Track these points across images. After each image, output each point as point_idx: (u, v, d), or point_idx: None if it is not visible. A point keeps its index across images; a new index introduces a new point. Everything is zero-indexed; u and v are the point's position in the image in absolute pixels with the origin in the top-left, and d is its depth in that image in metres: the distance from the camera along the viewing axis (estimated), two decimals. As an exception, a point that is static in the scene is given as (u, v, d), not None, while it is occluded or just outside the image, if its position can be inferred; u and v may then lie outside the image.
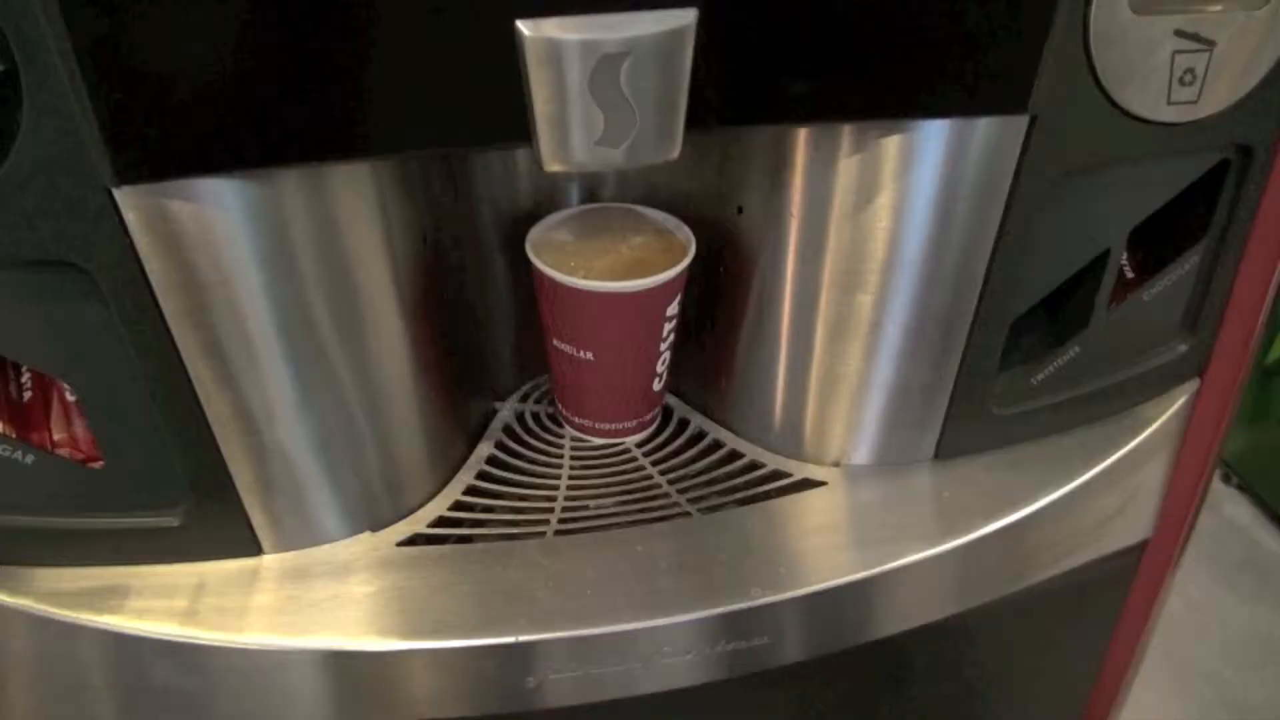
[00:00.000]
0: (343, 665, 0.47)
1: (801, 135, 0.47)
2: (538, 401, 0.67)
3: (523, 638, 0.46)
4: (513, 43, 0.36)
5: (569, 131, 0.38)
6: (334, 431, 0.47)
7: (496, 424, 0.63)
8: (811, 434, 0.57)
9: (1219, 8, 0.42)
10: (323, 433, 0.47)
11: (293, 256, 0.41)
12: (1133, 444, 0.57)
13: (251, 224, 0.39)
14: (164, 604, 0.47)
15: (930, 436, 0.56)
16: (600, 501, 0.56)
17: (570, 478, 0.59)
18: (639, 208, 0.61)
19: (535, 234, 0.57)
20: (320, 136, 0.37)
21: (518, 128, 0.38)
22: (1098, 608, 0.68)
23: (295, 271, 0.42)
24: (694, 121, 0.39)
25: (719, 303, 0.58)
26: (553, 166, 0.39)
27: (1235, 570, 1.49)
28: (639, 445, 0.62)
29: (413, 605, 0.48)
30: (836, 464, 0.57)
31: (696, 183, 0.57)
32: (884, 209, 0.46)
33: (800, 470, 0.57)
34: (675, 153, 0.40)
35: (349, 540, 0.51)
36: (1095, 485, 0.56)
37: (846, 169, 0.46)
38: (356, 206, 0.43)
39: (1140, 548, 0.64)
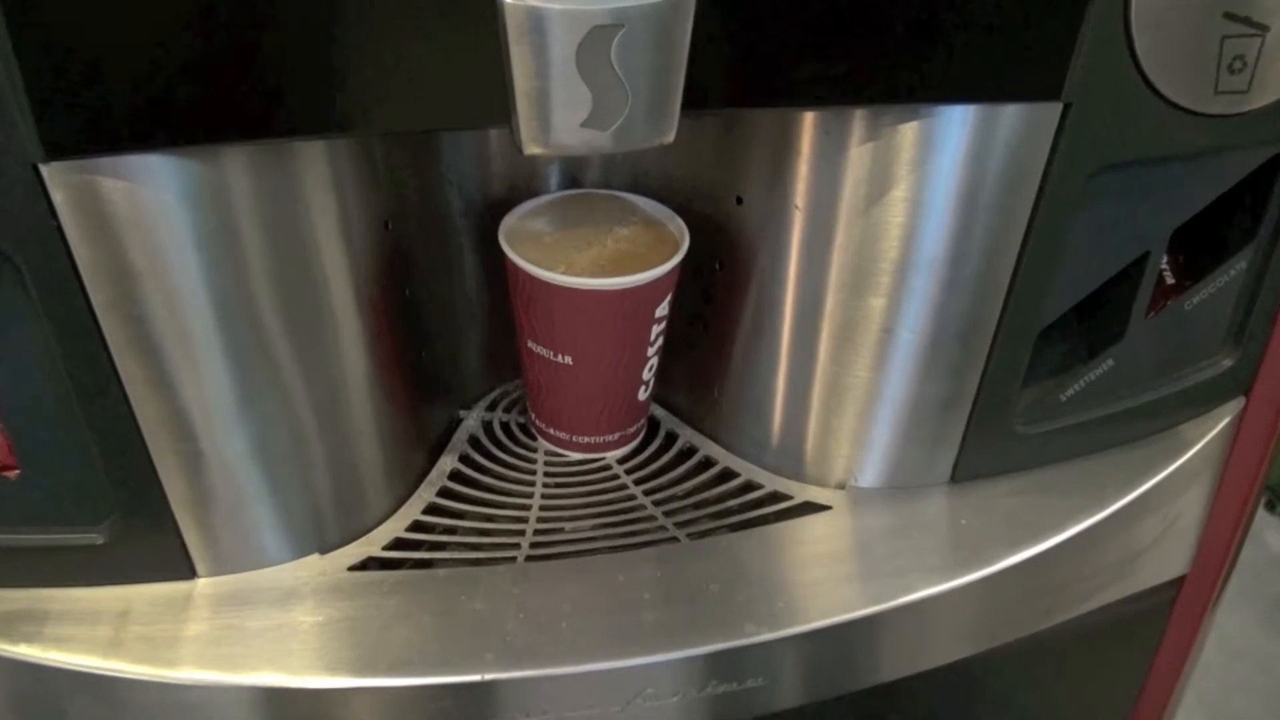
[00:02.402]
0: (285, 704, 0.46)
1: (809, 119, 0.47)
2: (508, 410, 0.67)
3: (489, 676, 0.46)
4: (490, 11, 0.36)
5: (552, 111, 0.38)
6: (279, 441, 0.47)
7: (461, 434, 0.63)
8: (814, 452, 0.57)
9: (1273, -11, 0.43)
10: (267, 442, 0.47)
11: (237, 244, 0.41)
12: (1171, 468, 0.58)
13: (192, 207, 0.39)
14: (85, 632, 0.47)
15: (946, 457, 0.56)
16: (577, 524, 0.56)
17: (544, 497, 0.59)
18: (626, 195, 0.61)
19: (510, 223, 0.58)
20: (270, 112, 0.37)
21: (494, 107, 0.38)
22: (1129, 650, 0.69)
23: (240, 261, 0.42)
24: (692, 103, 0.40)
25: (714, 303, 0.58)
26: (532, 150, 0.39)
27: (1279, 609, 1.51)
28: (621, 461, 0.63)
29: (365, 638, 0.47)
30: (842, 486, 0.57)
31: (691, 169, 0.58)
32: (899, 203, 0.47)
33: (801, 492, 0.57)
34: (670, 136, 0.40)
35: (294, 563, 0.51)
36: (1129, 514, 0.57)
37: (859, 158, 0.46)
38: (310, 190, 0.43)
39: (1177, 584, 0.65)
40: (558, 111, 0.38)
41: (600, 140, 0.39)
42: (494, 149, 0.60)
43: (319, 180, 0.44)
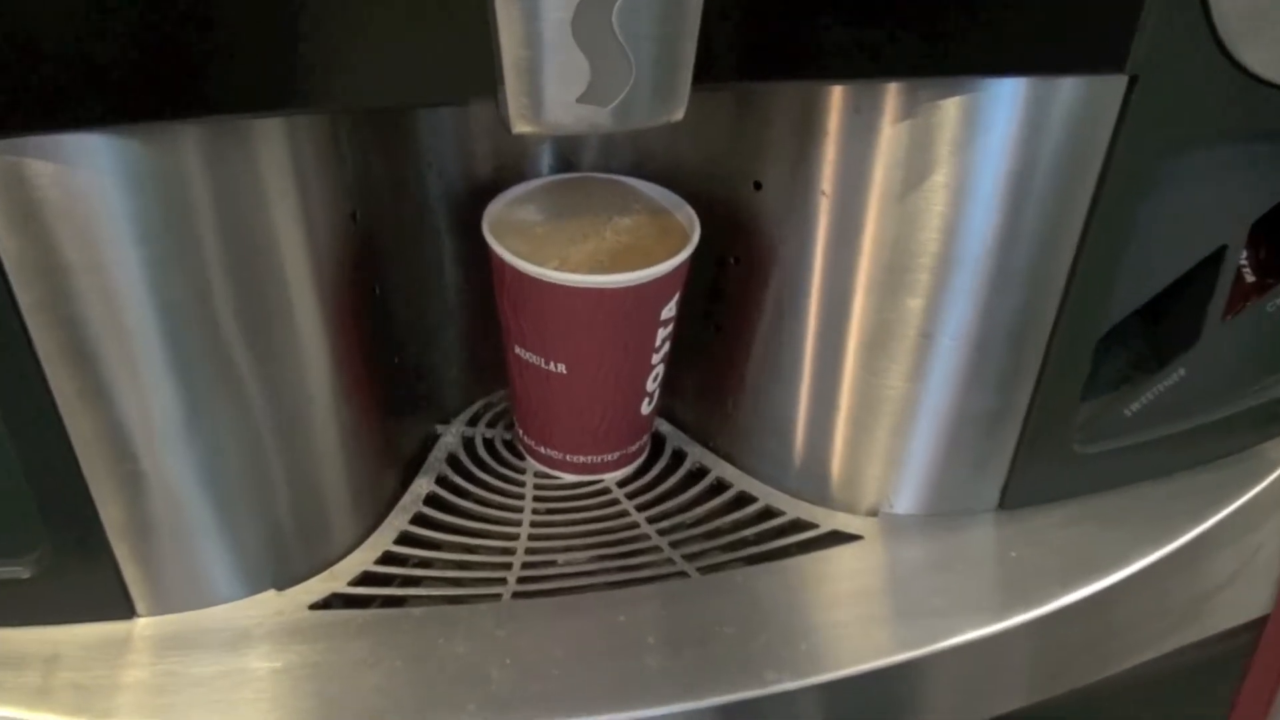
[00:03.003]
0: (237, 762, 0.46)
1: (838, 95, 0.47)
2: (492, 425, 0.67)
3: (470, 730, 0.46)
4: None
5: (544, 84, 0.38)
6: (231, 461, 0.47)
7: (439, 453, 0.63)
8: (843, 474, 0.57)
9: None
10: (217, 462, 0.47)
11: (184, 236, 0.41)
12: (1250, 494, 0.58)
13: (133, 194, 0.39)
14: (8, 678, 0.47)
15: (994, 480, 0.56)
16: (571, 556, 0.56)
17: (533, 524, 0.59)
18: (629, 180, 0.61)
19: (495, 211, 0.57)
20: (220, 85, 0.37)
21: (477, 78, 0.38)
22: (1201, 703, 0.69)
23: (187, 255, 0.42)
24: (705, 75, 0.39)
25: (728, 303, 0.58)
26: (521, 128, 0.39)
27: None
28: (622, 484, 0.62)
29: (328, 686, 0.47)
30: (874, 513, 0.57)
31: (703, 150, 0.58)
32: (940, 190, 0.47)
33: (828, 520, 0.57)
34: (680, 113, 0.40)
35: (247, 601, 0.51)
36: (1203, 546, 0.56)
37: (894, 138, 0.46)
38: (267, 175, 0.43)
39: (1256, 626, 0.64)
40: (551, 84, 0.38)
41: (599, 118, 0.39)
42: (477, 127, 0.60)
43: (277, 164, 0.43)
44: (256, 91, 0.37)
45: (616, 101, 0.39)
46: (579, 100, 0.38)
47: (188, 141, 0.40)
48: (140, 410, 0.44)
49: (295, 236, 0.45)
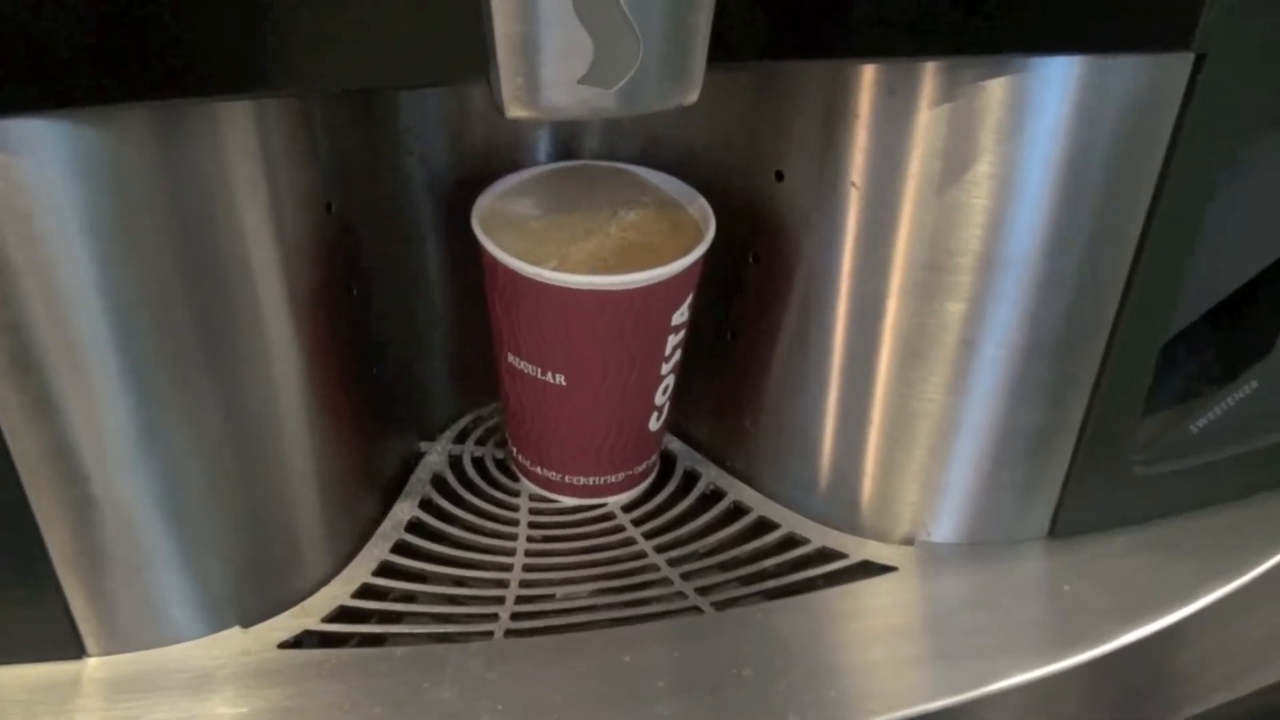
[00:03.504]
0: (198, 820, 0.46)
1: (870, 75, 0.47)
2: (482, 443, 0.67)
3: (458, 784, 0.46)
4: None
5: (542, 63, 0.38)
6: (192, 482, 0.47)
7: (423, 473, 0.63)
8: (875, 498, 0.57)
9: None
10: (176, 484, 0.47)
11: (139, 232, 0.41)
12: (1331, 520, 0.58)
13: (82, 186, 0.39)
14: (-59, 727, 0.47)
15: (1044, 505, 0.56)
16: (571, 589, 0.56)
17: (528, 554, 0.59)
18: (635, 169, 0.61)
19: (486, 204, 0.57)
20: (182, 64, 0.37)
21: (467, 57, 0.38)
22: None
23: (143, 254, 0.42)
24: (722, 54, 0.39)
25: (746, 307, 0.58)
26: (516, 112, 0.39)
27: None
28: (628, 509, 0.62)
29: (300, 734, 0.47)
30: (910, 541, 0.57)
31: (719, 137, 0.58)
32: (983, 181, 0.47)
33: (858, 549, 0.57)
34: (693, 96, 0.40)
35: (210, 639, 0.51)
36: (1278, 578, 0.56)
37: (932, 124, 0.46)
38: (232, 164, 0.43)
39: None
40: (550, 63, 0.38)
41: (603, 101, 0.39)
42: (467, 109, 0.60)
43: (243, 152, 0.43)
44: (221, 72, 0.37)
45: (622, 83, 0.39)
46: (580, 81, 0.39)
47: (143, 127, 0.40)
48: (90, 427, 0.44)
49: (263, 232, 0.45)
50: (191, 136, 0.41)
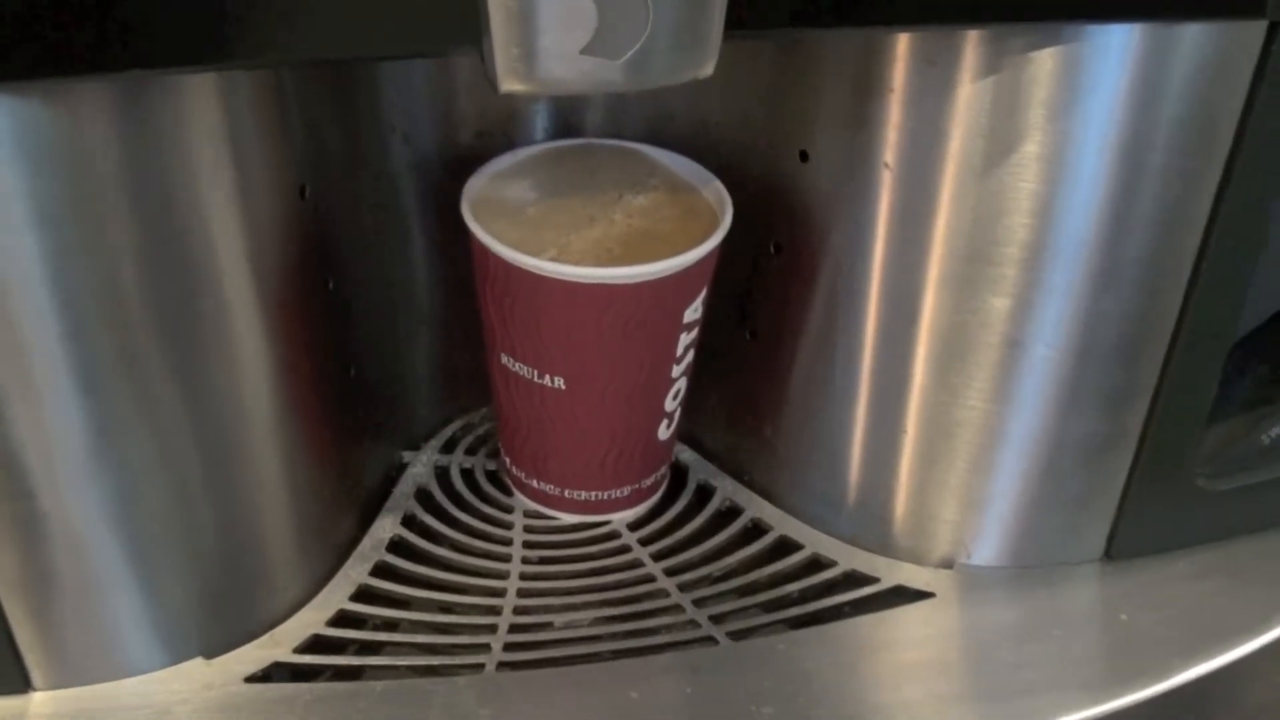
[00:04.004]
0: None
1: (905, 45, 0.47)
2: (471, 452, 0.67)
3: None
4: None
5: (540, 32, 0.38)
6: (149, 498, 0.47)
7: (406, 487, 0.63)
8: (910, 516, 0.57)
9: None
10: (131, 499, 0.47)
11: (92, 220, 0.41)
12: None
13: (29, 169, 0.39)
14: None
15: (1099, 524, 0.56)
16: (570, 616, 0.56)
17: (524, 577, 0.59)
18: (643, 148, 0.61)
19: (477, 187, 0.57)
20: (137, 33, 0.36)
21: (456, 24, 0.38)
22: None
23: (96, 243, 0.42)
24: (741, 20, 0.39)
25: (767, 302, 0.58)
26: (511, 86, 0.39)
27: None
28: (634, 527, 0.63)
29: (270, 778, 0.48)
30: (949, 564, 0.57)
31: (736, 112, 0.58)
32: (1032, 163, 0.47)
33: (891, 573, 0.57)
34: (708, 68, 0.40)
35: (169, 672, 0.51)
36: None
37: (976, 98, 0.46)
38: (196, 144, 0.43)
39: None
40: (548, 31, 0.38)
41: (609, 74, 0.39)
42: (456, 81, 0.60)
43: (207, 130, 0.43)
44: (182, 42, 0.37)
45: (630, 54, 0.39)
46: (583, 52, 0.38)
47: (95, 104, 0.40)
48: (38, 435, 0.44)
49: (229, 220, 0.45)
50: (149, 115, 0.41)
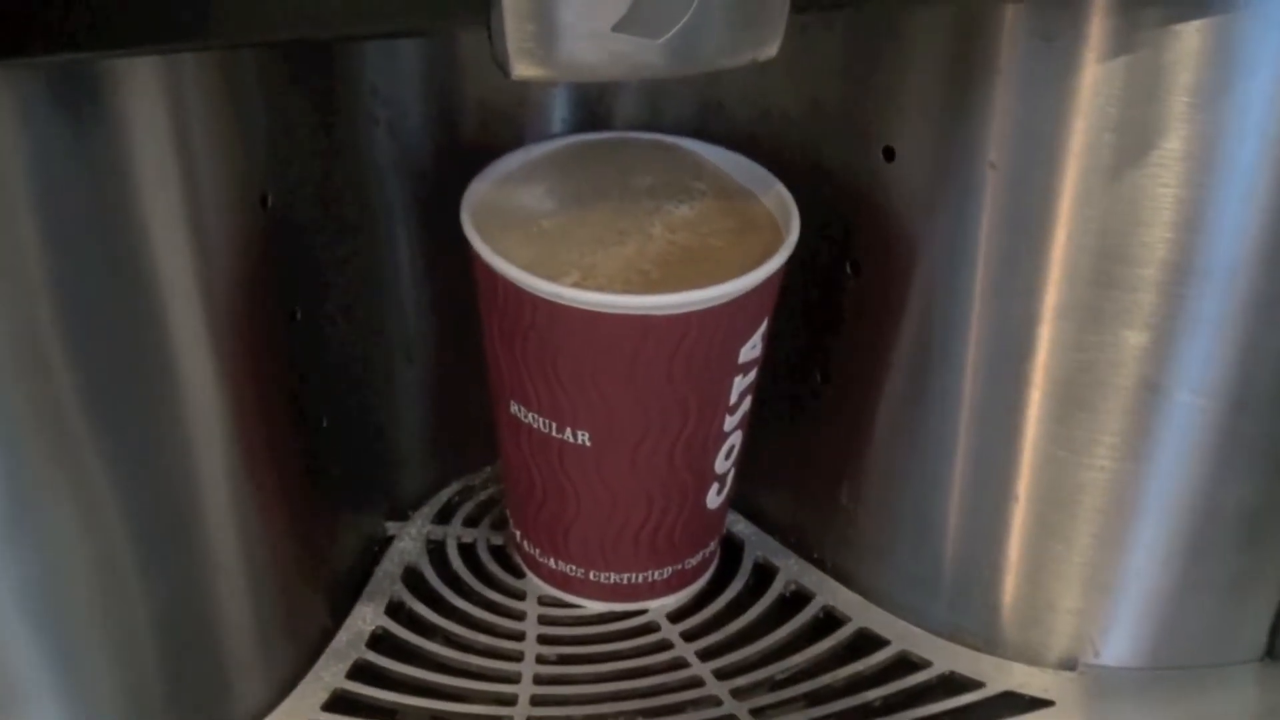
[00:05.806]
0: None
1: (1013, 17, 0.47)
2: (472, 524, 0.67)
3: None
4: None
5: (561, 3, 0.38)
6: (74, 582, 0.47)
7: (391, 566, 0.64)
8: (1021, 603, 0.57)
9: None
10: (51, 585, 0.47)
11: (5, 239, 0.41)
12: None
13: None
14: None
15: (1259, 615, 0.56)
16: (598, 730, 0.56)
17: (538, 679, 0.59)
18: (688, 144, 0.61)
19: (481, 192, 0.58)
20: (72, 11, 0.37)
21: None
22: None
23: (9, 267, 0.42)
24: (811, -6, 0.40)
25: (842, 338, 0.59)
26: (525, 71, 0.39)
27: None
28: (676, 617, 0.63)
29: None
30: (1072, 666, 0.57)
31: (803, 99, 0.58)
32: (1173, 163, 0.47)
33: (999, 676, 0.57)
34: (772, 49, 0.40)
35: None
36: None
37: (1103, 83, 0.46)
38: (134, 144, 0.43)
39: None
40: (571, 5, 0.38)
41: (646, 56, 0.39)
42: (455, 62, 0.60)
43: (149, 128, 0.44)
44: (128, 22, 0.37)
45: (673, 30, 0.39)
46: (615, 29, 0.39)
47: (14, 96, 0.40)
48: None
49: (175, 236, 0.46)
50: (76, 109, 0.42)
